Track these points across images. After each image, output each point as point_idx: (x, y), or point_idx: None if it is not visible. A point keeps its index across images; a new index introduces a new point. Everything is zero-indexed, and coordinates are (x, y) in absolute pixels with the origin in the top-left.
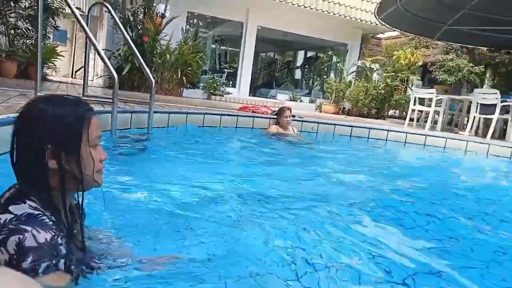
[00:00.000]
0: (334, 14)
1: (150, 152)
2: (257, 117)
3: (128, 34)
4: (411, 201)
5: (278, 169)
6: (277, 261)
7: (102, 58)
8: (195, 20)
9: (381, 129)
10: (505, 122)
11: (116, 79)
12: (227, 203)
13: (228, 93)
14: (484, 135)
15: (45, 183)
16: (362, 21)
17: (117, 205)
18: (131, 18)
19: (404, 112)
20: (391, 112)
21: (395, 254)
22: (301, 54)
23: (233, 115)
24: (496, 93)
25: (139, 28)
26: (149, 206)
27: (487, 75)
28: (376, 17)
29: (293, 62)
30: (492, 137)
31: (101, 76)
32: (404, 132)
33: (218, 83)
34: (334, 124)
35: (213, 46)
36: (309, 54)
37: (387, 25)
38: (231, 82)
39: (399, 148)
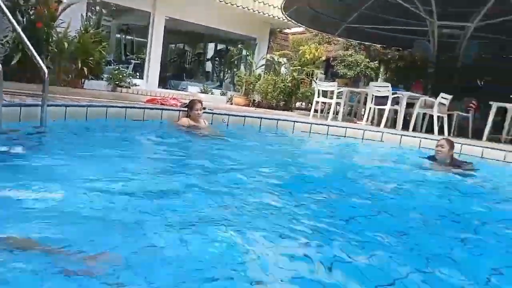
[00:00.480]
0: (243, 8)
1: (42, 149)
2: (166, 109)
3: (18, 19)
4: (311, 184)
5: (188, 162)
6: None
7: None
8: (97, 8)
9: (288, 120)
10: (396, 112)
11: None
12: (134, 201)
13: (135, 85)
14: (379, 124)
15: None
16: (270, 15)
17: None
18: (22, 2)
19: (310, 104)
20: (298, 104)
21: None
22: (211, 47)
23: (140, 108)
24: (388, 86)
25: (31, 13)
26: (44, 208)
27: (381, 69)
28: (282, 13)
29: (203, 54)
30: (385, 126)
31: None
32: (309, 123)
33: (124, 74)
34: (244, 116)
35: (118, 35)
36: (220, 46)
37: (293, 21)
38: (138, 74)
39: (304, 138)
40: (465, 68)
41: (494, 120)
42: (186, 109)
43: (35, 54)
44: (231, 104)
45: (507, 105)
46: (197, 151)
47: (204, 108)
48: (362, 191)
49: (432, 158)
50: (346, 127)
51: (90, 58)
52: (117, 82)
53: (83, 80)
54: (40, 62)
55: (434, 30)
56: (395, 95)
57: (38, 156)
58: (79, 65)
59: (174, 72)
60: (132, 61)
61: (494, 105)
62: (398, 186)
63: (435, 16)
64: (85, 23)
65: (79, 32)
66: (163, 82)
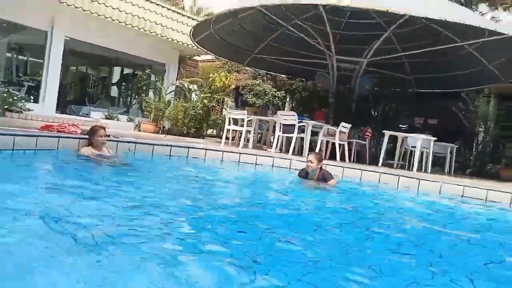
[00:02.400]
0: (151, 33)
1: None
2: (63, 137)
3: None
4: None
5: (87, 194)
6: None
7: None
8: None
9: (199, 148)
10: (302, 140)
11: None
12: (22, 240)
13: (29, 110)
14: (287, 151)
15: None
16: (179, 42)
17: None
18: None
19: (221, 131)
20: (209, 131)
21: None
22: (117, 71)
23: (31, 136)
24: (294, 115)
25: None
26: None
27: (287, 99)
28: (191, 40)
29: (108, 78)
30: (293, 153)
31: None
32: (221, 151)
33: (15, 98)
34: (153, 144)
35: (9, 55)
36: (126, 71)
37: (202, 48)
38: (32, 97)
39: (216, 166)
40: (360, 99)
41: (386, 148)
42: (87, 136)
43: None
44: (139, 131)
45: (398, 133)
46: (94, 181)
47: (109, 136)
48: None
49: (304, 172)
50: (257, 155)
51: None
52: (7, 106)
53: None
54: None
55: (333, 64)
56: (301, 124)
57: None
58: None
59: (75, 96)
60: (25, 83)
61: (387, 134)
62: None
63: (333, 50)
64: None
65: None
66: (63, 107)
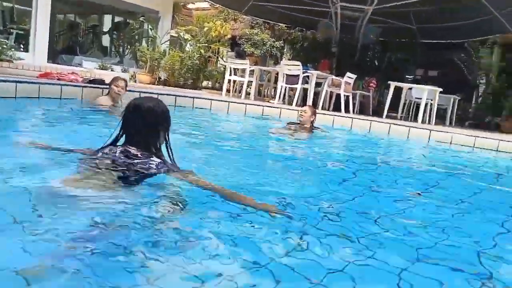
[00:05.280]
0: None
1: None
2: (66, 85)
3: None
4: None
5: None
6: None
7: None
8: None
9: (205, 99)
10: (305, 91)
11: None
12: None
13: (20, 59)
14: (290, 103)
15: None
16: None
17: None
18: None
19: (217, 83)
20: (204, 83)
21: None
22: (108, 19)
23: (34, 83)
24: (299, 65)
25: None
26: None
27: (285, 49)
28: None
29: (99, 27)
30: (296, 104)
31: None
32: (227, 101)
33: (5, 46)
34: (158, 94)
35: None
36: (117, 19)
37: None
38: (22, 46)
39: (222, 116)
40: (364, 49)
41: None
42: (91, 85)
43: None
44: (135, 81)
45: (403, 84)
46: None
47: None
48: None
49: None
50: (263, 106)
51: None
52: None
53: None
54: None
55: (336, 11)
56: (305, 74)
57: None
58: None
59: (65, 46)
60: (13, 31)
61: (392, 85)
62: None
63: None
64: None
65: None
66: (53, 57)
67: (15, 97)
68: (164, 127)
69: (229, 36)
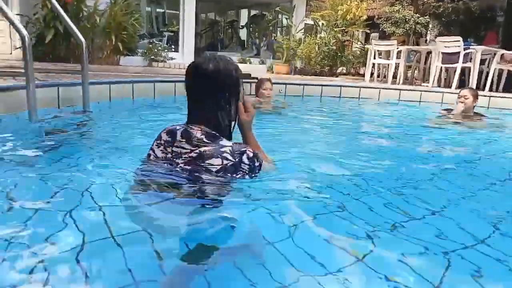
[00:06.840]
0: None
1: (91, 138)
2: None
3: None
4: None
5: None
6: None
7: (8, 19)
8: None
9: (353, 86)
10: (463, 71)
11: (26, 38)
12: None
13: (172, 58)
14: (448, 86)
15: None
16: None
17: None
18: None
19: (352, 69)
20: (339, 69)
21: None
22: (244, 13)
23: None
24: (458, 41)
25: None
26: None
27: (430, 25)
28: None
29: (237, 22)
30: (456, 87)
31: (20, 47)
32: (377, 88)
33: (159, 48)
34: (304, 84)
35: (148, 8)
36: (253, 12)
37: None
38: (173, 47)
39: (373, 106)
40: None
41: None
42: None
43: (71, 25)
44: (272, 73)
45: None
46: None
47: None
48: None
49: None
50: (421, 91)
51: (124, 32)
52: (153, 57)
53: (118, 56)
54: (77, 32)
55: None
56: (468, 51)
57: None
58: (113, 40)
59: (208, 43)
60: (165, 33)
61: None
62: None
63: None
64: None
65: (108, 4)
66: (199, 55)
67: (174, 96)
68: (233, 93)
69: (364, 17)
